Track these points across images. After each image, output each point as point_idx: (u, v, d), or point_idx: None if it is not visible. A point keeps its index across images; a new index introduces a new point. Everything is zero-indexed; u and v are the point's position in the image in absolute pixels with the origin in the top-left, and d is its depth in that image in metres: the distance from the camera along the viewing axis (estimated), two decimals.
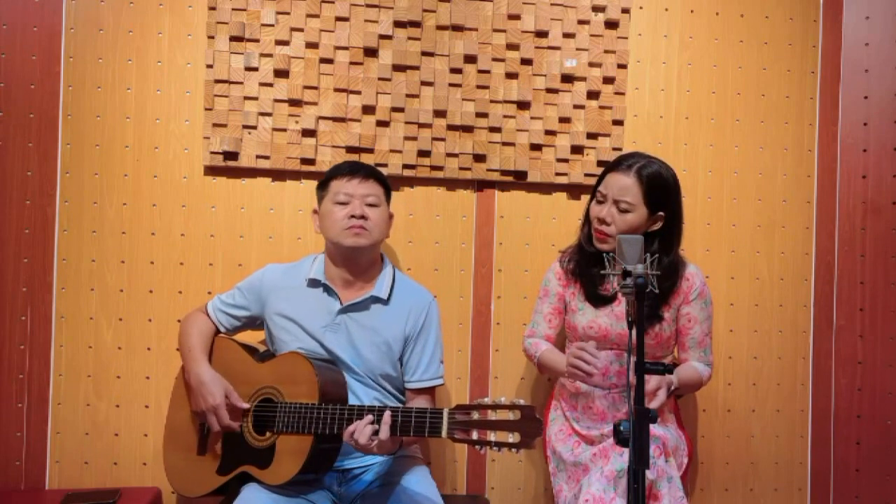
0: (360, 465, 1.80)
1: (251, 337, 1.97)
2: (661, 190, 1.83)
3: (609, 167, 1.88)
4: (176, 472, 1.83)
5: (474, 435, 1.45)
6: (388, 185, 1.92)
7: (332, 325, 1.82)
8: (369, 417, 1.55)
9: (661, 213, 1.84)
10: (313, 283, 1.86)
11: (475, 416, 1.47)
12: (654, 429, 1.70)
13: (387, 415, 1.55)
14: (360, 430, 1.54)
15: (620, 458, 1.67)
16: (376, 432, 1.54)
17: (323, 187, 1.88)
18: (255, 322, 1.93)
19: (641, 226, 1.83)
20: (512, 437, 1.42)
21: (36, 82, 2.11)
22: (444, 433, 1.49)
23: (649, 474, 1.63)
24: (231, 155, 2.15)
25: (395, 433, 1.55)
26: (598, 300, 1.89)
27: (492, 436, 1.44)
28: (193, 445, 1.80)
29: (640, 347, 1.39)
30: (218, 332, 1.91)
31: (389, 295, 1.86)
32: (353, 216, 1.79)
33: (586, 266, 1.90)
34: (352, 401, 1.76)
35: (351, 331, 1.82)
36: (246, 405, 1.72)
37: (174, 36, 2.16)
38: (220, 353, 1.86)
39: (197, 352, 1.81)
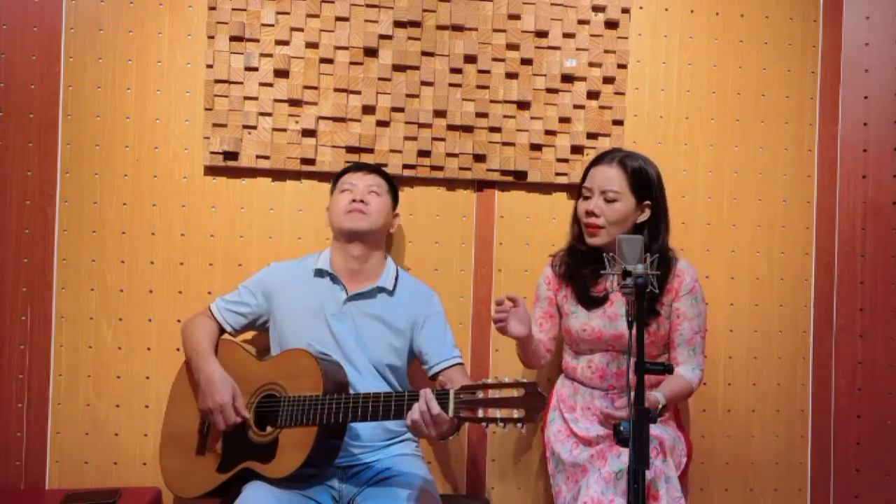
0: (360, 461, 1.81)
1: (253, 341, 1.97)
2: (645, 178, 1.86)
3: (591, 163, 1.92)
4: (173, 474, 1.84)
5: (480, 413, 1.48)
6: (395, 186, 2.03)
7: (338, 314, 1.86)
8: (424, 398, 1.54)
9: (647, 203, 1.86)
10: (320, 272, 1.91)
11: (480, 395, 1.50)
12: (652, 429, 1.69)
13: (427, 391, 1.55)
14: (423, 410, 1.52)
15: (618, 460, 1.68)
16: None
17: (333, 183, 2.01)
18: (259, 320, 1.93)
19: (630, 216, 1.85)
20: (517, 413, 1.45)
21: (36, 82, 2.11)
22: (450, 412, 1.51)
23: (647, 474, 1.62)
24: (231, 155, 2.15)
25: (402, 416, 1.57)
26: (590, 302, 1.89)
27: (497, 413, 1.46)
28: (192, 446, 1.81)
29: (640, 347, 1.39)
30: (223, 332, 1.91)
31: (394, 287, 1.93)
32: (353, 200, 1.89)
33: (576, 268, 1.91)
34: (352, 391, 1.77)
35: (357, 320, 1.86)
36: (247, 415, 1.73)
37: (174, 36, 2.16)
38: (221, 354, 1.85)
39: (206, 351, 1.83)
